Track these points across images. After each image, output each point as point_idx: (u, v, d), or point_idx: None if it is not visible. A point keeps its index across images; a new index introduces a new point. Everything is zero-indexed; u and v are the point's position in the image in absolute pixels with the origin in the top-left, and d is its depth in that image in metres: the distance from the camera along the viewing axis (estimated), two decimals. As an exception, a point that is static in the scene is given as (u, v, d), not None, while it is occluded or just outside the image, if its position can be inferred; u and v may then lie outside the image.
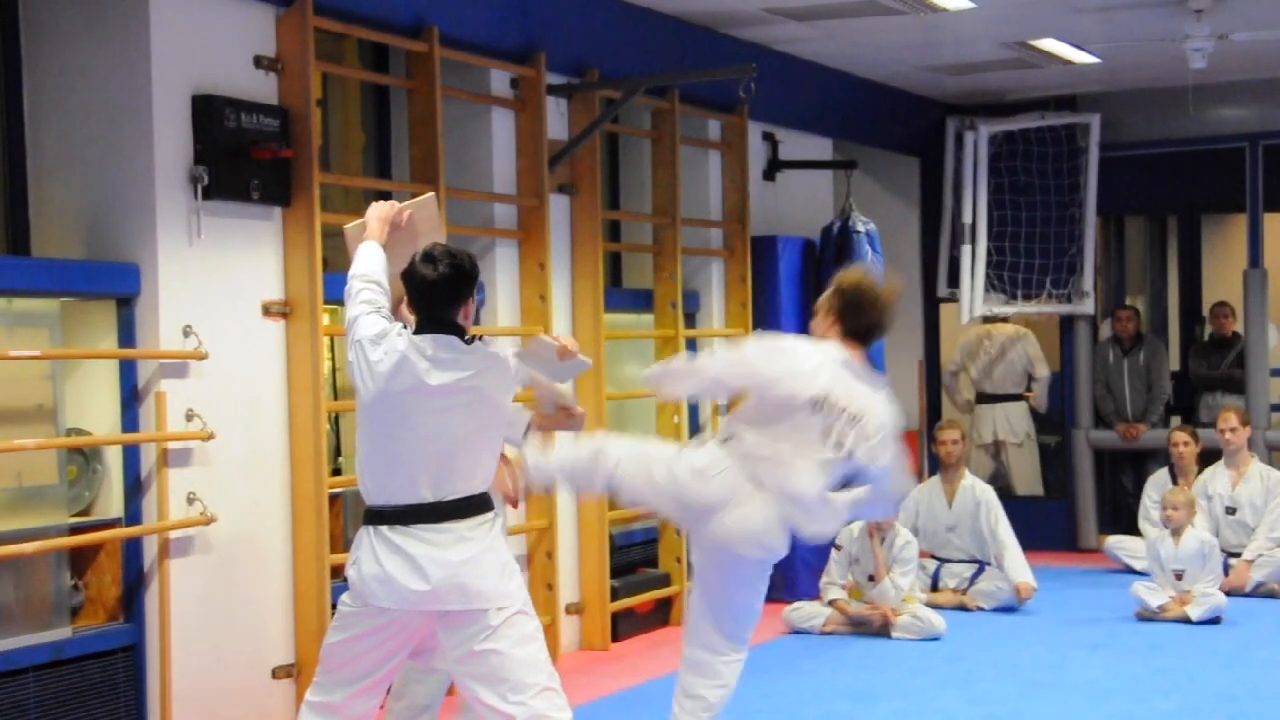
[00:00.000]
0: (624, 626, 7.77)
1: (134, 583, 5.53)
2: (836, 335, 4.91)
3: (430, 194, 4.82)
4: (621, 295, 8.27)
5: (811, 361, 4.81)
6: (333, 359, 6.62)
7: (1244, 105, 10.46)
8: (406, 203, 4.61)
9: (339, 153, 7.08)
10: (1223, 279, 12.06)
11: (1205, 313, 11.61)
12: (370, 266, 4.37)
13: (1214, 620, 7.95)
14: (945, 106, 10.71)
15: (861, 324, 4.90)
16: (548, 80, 7.18)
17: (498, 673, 4.22)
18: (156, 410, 5.46)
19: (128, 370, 5.53)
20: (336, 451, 6.55)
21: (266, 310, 5.89)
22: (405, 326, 4.30)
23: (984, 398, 10.72)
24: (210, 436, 5.60)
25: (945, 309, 10.88)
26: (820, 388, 4.75)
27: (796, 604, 8.02)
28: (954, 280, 10.34)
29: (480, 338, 4.40)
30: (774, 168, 9.36)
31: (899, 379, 10.44)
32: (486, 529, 4.29)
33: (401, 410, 4.19)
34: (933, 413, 10.84)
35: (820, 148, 9.87)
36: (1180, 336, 12.44)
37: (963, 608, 8.35)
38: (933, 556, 8.60)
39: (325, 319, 6.08)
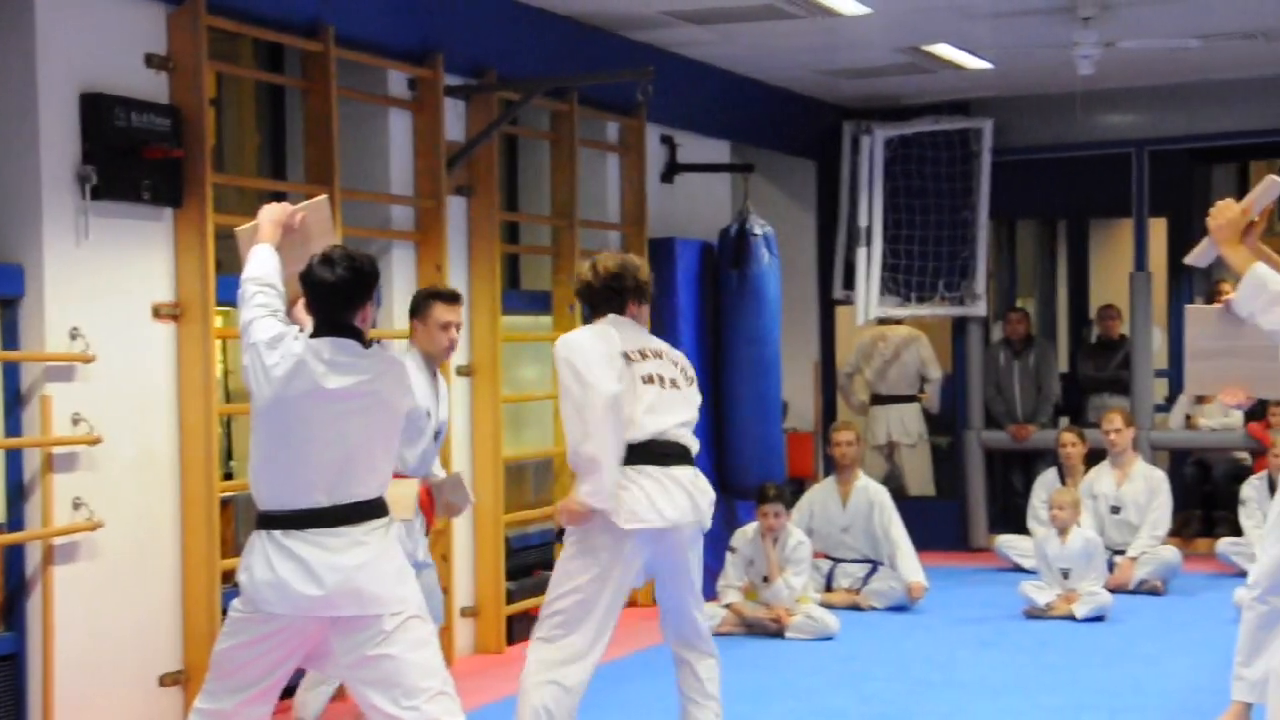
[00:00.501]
0: (519, 630, 7.72)
1: (15, 590, 5.41)
2: (599, 317, 5.13)
3: (323, 197, 4.78)
4: (519, 297, 8.26)
5: (595, 340, 5.00)
6: (225, 362, 6.54)
7: (1130, 112, 10.68)
8: (299, 205, 4.58)
9: (233, 153, 6.99)
10: (1110, 282, 12.31)
11: (1093, 315, 11.86)
12: (264, 270, 4.32)
13: (1099, 618, 8.13)
14: (842, 111, 10.82)
15: (611, 296, 5.14)
16: (445, 81, 7.14)
17: (391, 678, 4.19)
18: (41, 414, 5.36)
19: (10, 373, 5.41)
20: (228, 455, 6.47)
21: (157, 312, 5.80)
22: (300, 329, 4.28)
23: (878, 399, 10.84)
24: (97, 441, 5.50)
25: (841, 311, 10.99)
26: (618, 347, 4.97)
27: (693, 605, 8.05)
28: (849, 282, 10.47)
29: (379, 342, 4.39)
30: (672, 170, 9.38)
31: (795, 380, 10.56)
32: (381, 533, 4.27)
33: (298, 414, 4.16)
34: (828, 414, 10.95)
35: (718, 150, 9.92)
36: (1069, 338, 12.70)
37: (856, 607, 8.44)
38: (827, 557, 8.67)
39: (218, 321, 6.01)
